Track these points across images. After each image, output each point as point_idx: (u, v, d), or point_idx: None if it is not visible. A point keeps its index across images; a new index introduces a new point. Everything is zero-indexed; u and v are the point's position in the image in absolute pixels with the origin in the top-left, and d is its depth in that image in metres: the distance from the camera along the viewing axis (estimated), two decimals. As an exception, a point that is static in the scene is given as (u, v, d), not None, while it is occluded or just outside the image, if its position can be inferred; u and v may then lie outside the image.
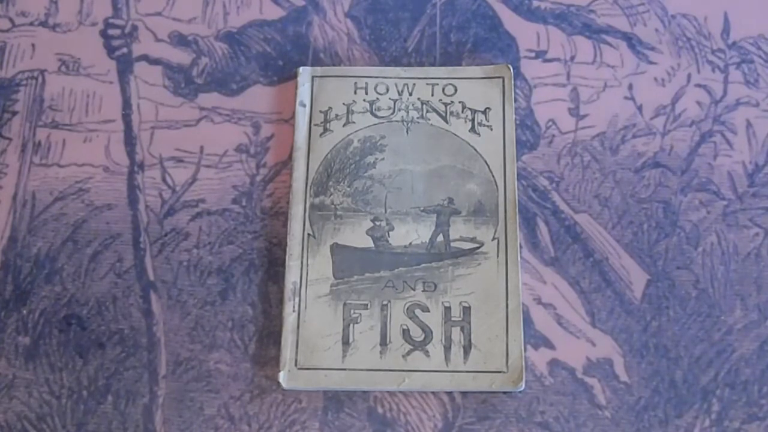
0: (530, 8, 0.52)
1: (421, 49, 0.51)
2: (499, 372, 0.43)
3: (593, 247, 0.47)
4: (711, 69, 0.51)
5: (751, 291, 0.46)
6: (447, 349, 0.43)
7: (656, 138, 0.49)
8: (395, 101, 0.48)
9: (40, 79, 0.49)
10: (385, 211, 0.46)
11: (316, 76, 0.49)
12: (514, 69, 0.50)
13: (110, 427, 0.42)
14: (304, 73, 0.49)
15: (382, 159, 0.47)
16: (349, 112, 0.48)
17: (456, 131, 0.48)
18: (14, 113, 0.48)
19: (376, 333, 0.43)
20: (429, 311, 0.44)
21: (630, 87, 0.50)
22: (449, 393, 0.43)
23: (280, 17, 0.51)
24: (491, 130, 0.48)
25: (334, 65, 0.50)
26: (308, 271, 0.44)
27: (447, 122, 0.48)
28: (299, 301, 0.44)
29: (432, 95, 0.49)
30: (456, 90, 0.49)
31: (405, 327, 0.43)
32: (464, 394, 0.43)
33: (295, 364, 0.43)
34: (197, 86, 0.49)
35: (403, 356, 0.43)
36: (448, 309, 0.44)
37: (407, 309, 0.44)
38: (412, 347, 0.43)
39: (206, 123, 0.48)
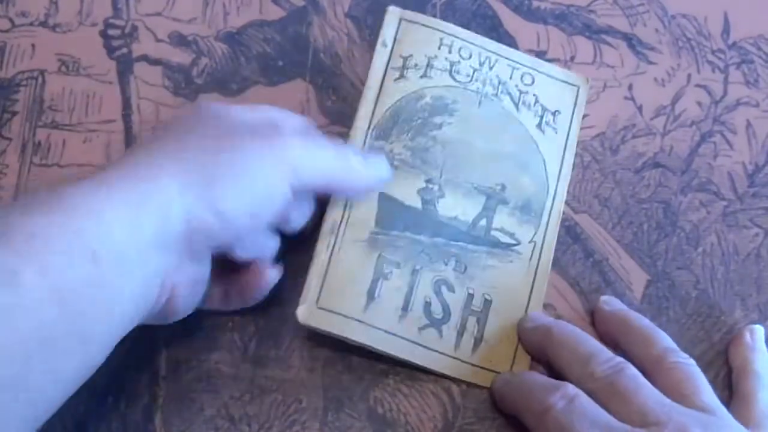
0: (530, 8, 0.52)
1: (421, 50, 0.51)
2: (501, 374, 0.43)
3: (593, 248, 0.47)
4: (711, 69, 0.51)
5: (751, 291, 0.46)
6: (459, 335, 0.43)
7: (656, 138, 0.49)
8: (475, 71, 0.47)
9: (40, 79, 0.49)
10: (440, 176, 0.44)
11: (405, 19, 0.47)
12: (514, 69, 0.50)
13: (110, 427, 0.42)
14: (393, 13, 0.47)
15: (450, 123, 0.45)
16: (429, 65, 0.46)
17: (524, 122, 0.46)
18: (14, 113, 0.48)
19: (401, 296, 0.42)
20: (454, 292, 0.43)
21: (630, 87, 0.50)
22: (449, 393, 0.43)
23: (280, 17, 0.51)
24: (556, 133, 0.47)
25: (334, 65, 0.50)
26: (351, 213, 0.43)
27: (518, 110, 0.46)
28: (335, 240, 0.43)
29: (510, 78, 0.47)
30: (533, 81, 0.47)
31: (428, 300, 0.43)
32: (464, 394, 0.43)
33: (316, 302, 0.42)
34: (197, 86, 0.49)
35: (419, 329, 0.42)
36: (470, 296, 0.43)
37: (435, 282, 0.43)
38: (429, 323, 0.42)
39: (206, 123, 0.48)
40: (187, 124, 0.39)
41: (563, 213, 0.46)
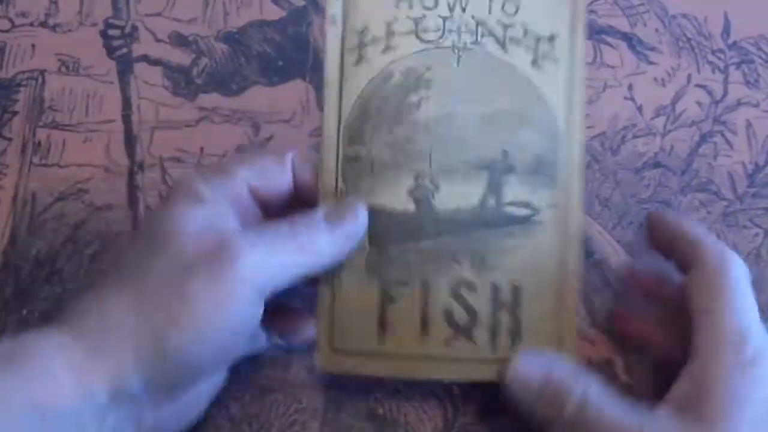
0: (530, 8, 0.52)
1: (421, 50, 0.51)
2: None
3: (593, 247, 0.47)
4: (711, 69, 0.51)
5: (751, 291, 0.46)
6: (493, 335, 0.38)
7: (656, 138, 0.49)
8: (445, 20, 0.39)
9: (40, 80, 0.49)
10: (430, 166, 0.39)
11: None
12: (514, 69, 0.50)
13: (110, 428, 0.42)
14: None
15: (429, 98, 0.39)
16: (389, 33, 0.39)
17: (516, 63, 0.39)
18: (14, 113, 0.48)
19: (415, 315, 0.39)
20: (476, 290, 0.38)
21: (630, 87, 0.50)
22: (449, 393, 0.43)
23: (280, 17, 0.51)
24: (557, 64, 0.39)
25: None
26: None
27: (505, 50, 0.39)
28: (333, 275, 0.39)
29: (489, 13, 0.39)
30: (518, 9, 0.39)
31: (448, 309, 0.39)
32: (464, 394, 0.43)
33: (330, 346, 0.39)
34: (197, 86, 0.49)
35: (446, 342, 0.38)
36: (496, 288, 0.38)
37: (451, 288, 0.39)
38: (455, 333, 0.38)
39: (206, 123, 0.48)
40: (137, 259, 0.36)
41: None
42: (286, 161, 0.40)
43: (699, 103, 0.50)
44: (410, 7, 0.39)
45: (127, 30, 0.50)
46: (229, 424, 0.42)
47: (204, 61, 0.50)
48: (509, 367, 0.38)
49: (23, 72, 0.49)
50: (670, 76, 0.51)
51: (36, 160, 0.47)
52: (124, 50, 0.50)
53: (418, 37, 0.39)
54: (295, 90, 0.49)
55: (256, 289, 0.35)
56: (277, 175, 0.40)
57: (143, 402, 0.34)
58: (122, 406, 0.34)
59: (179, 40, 0.50)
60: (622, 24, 0.52)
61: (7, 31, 0.50)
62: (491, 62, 0.39)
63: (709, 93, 0.50)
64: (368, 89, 0.39)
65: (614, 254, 0.47)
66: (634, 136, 0.49)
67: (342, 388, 0.43)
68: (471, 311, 0.38)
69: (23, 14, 0.50)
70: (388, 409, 0.43)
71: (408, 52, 0.39)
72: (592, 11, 0.52)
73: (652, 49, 0.51)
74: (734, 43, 0.52)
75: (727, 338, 0.36)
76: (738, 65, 0.51)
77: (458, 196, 0.39)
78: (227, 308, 0.35)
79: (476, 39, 0.39)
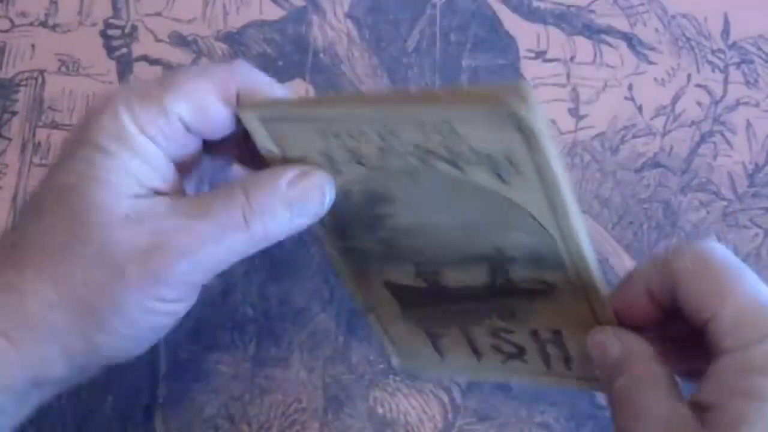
0: (530, 8, 0.52)
1: (420, 49, 0.51)
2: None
3: (593, 248, 0.47)
4: (711, 69, 0.51)
5: (751, 291, 0.46)
6: (545, 359, 0.37)
7: (656, 138, 0.49)
8: (381, 149, 0.32)
9: (39, 80, 0.49)
10: (425, 258, 0.35)
11: (265, 119, 0.33)
12: (513, 69, 0.50)
13: (110, 427, 0.42)
14: (247, 117, 0.33)
15: (395, 213, 0.34)
16: (330, 160, 0.33)
17: (477, 179, 0.31)
18: (14, 113, 0.48)
19: (465, 346, 0.39)
20: (515, 333, 0.37)
21: (630, 87, 0.50)
22: (449, 393, 0.43)
23: (280, 17, 0.51)
24: (524, 176, 0.30)
25: (334, 65, 0.50)
26: (369, 299, 0.39)
27: (460, 170, 0.31)
28: (374, 318, 0.39)
29: (426, 139, 0.30)
30: (454, 130, 0.29)
31: (494, 344, 0.38)
32: (464, 394, 0.43)
33: (399, 359, 0.41)
34: (197, 86, 0.49)
35: (501, 363, 0.38)
36: (536, 332, 0.36)
37: (491, 332, 0.37)
38: (507, 357, 0.38)
39: (206, 123, 0.48)
40: (56, 243, 0.32)
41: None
42: (228, 92, 0.33)
43: (699, 103, 0.50)
44: (338, 138, 0.32)
45: (127, 30, 0.50)
46: (229, 424, 0.42)
47: (204, 61, 0.50)
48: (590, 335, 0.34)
49: (23, 72, 0.49)
50: (670, 76, 0.51)
51: (36, 160, 0.47)
52: (124, 50, 0.50)
53: (360, 164, 0.33)
54: (295, 90, 0.49)
55: (194, 287, 0.33)
56: (215, 108, 0.33)
57: (70, 376, 0.33)
58: (46, 387, 0.33)
59: (179, 40, 0.50)
60: (622, 24, 0.52)
61: (7, 31, 0.50)
62: (450, 181, 0.31)
63: (709, 93, 0.50)
64: (334, 207, 0.35)
65: (614, 254, 0.47)
66: (634, 136, 0.49)
67: (342, 388, 0.43)
68: (517, 345, 0.37)
69: (23, 14, 0.50)
70: (388, 409, 0.43)
71: (356, 176, 0.34)
72: (591, 11, 0.52)
73: (652, 49, 0.51)
74: (734, 43, 0.52)
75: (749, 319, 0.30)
76: (738, 65, 0.51)
77: (464, 277, 0.36)
78: (161, 311, 0.33)
79: (424, 161, 0.31)
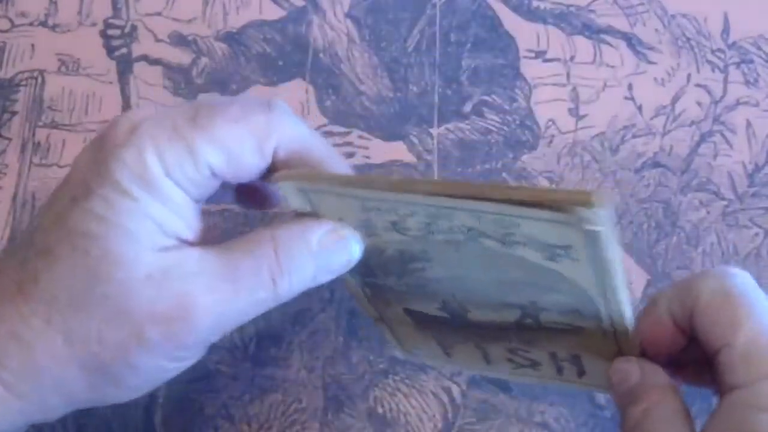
0: (530, 8, 0.52)
1: (420, 49, 0.51)
2: None
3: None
4: (711, 69, 0.51)
5: (751, 291, 0.46)
6: (559, 370, 0.37)
7: (656, 138, 0.49)
8: (428, 224, 0.30)
9: (39, 79, 0.49)
10: (454, 299, 0.34)
11: (304, 190, 0.31)
12: (513, 69, 0.50)
13: (110, 427, 0.42)
14: (286, 186, 0.31)
15: (431, 267, 0.33)
16: (368, 226, 0.32)
17: (526, 256, 0.30)
18: (14, 113, 0.48)
19: (478, 357, 0.38)
20: (531, 351, 0.36)
21: (630, 87, 0.50)
22: (449, 393, 0.43)
23: (280, 17, 0.51)
24: (578, 262, 0.29)
25: (334, 65, 0.50)
26: (380, 313, 0.38)
27: (509, 247, 0.30)
28: (386, 323, 0.39)
29: (479, 222, 0.29)
30: (516, 225, 0.29)
31: (509, 357, 0.37)
32: (464, 394, 0.43)
33: (403, 349, 0.41)
34: (197, 86, 0.49)
35: (512, 370, 0.38)
36: (553, 354, 0.36)
37: (507, 349, 0.37)
38: (519, 366, 0.38)
39: (206, 123, 0.48)
40: (70, 292, 0.30)
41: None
42: (265, 146, 0.32)
43: (699, 103, 0.50)
44: (381, 212, 0.31)
45: (127, 30, 0.50)
46: (229, 424, 0.42)
47: (204, 61, 0.50)
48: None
49: (23, 72, 0.49)
50: (669, 76, 0.51)
51: (36, 160, 0.47)
52: (124, 50, 0.50)
53: (399, 232, 0.32)
54: (295, 90, 0.49)
55: (210, 342, 0.32)
56: (250, 161, 0.32)
57: (67, 413, 0.32)
58: (46, 425, 0.33)
59: (179, 40, 0.50)
60: (622, 24, 0.52)
61: (6, 31, 0.50)
62: (496, 253, 0.30)
63: (709, 93, 0.50)
64: (364, 256, 0.34)
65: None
66: (634, 136, 0.49)
67: (342, 388, 0.43)
68: (532, 361, 0.37)
69: (23, 14, 0.50)
70: (388, 409, 0.43)
71: (394, 240, 0.32)
72: (591, 11, 0.52)
73: (652, 48, 0.51)
74: (734, 42, 0.52)
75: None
76: (738, 65, 0.51)
77: (492, 317, 0.35)
78: (174, 368, 0.32)
79: (472, 238, 0.30)
